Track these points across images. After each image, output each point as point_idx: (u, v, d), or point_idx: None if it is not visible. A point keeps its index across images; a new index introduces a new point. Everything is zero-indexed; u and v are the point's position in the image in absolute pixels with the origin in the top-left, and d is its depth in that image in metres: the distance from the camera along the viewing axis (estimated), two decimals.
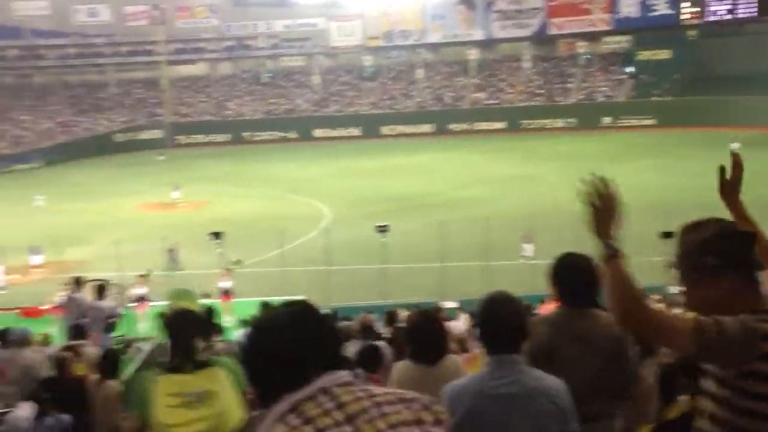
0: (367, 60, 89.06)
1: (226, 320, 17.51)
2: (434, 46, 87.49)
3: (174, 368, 3.69)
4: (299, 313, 1.80)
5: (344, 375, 1.75)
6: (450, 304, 19.44)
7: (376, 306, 19.52)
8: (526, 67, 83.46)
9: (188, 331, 3.78)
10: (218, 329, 10.03)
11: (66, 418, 6.10)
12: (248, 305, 21.98)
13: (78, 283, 12.86)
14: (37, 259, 28.99)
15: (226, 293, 22.03)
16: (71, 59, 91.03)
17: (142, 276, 21.82)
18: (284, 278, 24.69)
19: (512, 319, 3.15)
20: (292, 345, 1.73)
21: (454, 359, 4.33)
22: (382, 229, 26.23)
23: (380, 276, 24.65)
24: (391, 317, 12.55)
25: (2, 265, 26.85)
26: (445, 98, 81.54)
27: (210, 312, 5.04)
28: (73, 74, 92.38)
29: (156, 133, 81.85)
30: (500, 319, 3.13)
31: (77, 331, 10.61)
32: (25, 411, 5.51)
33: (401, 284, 24.49)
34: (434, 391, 3.30)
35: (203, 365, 3.74)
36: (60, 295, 17.13)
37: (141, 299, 20.76)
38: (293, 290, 23.49)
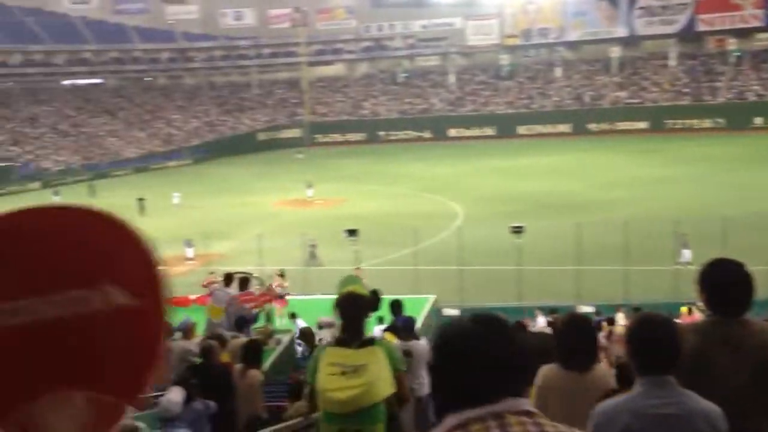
0: (504, 59, 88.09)
1: None
2: (574, 44, 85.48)
3: (340, 342, 4.21)
4: (490, 329, 1.70)
5: (523, 403, 1.64)
6: (586, 309, 19.00)
7: (510, 308, 19.33)
8: (672, 64, 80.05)
9: (357, 312, 4.27)
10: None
11: (212, 404, 6.39)
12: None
13: (228, 278, 13.38)
14: (189, 252, 30.43)
15: None
16: (218, 61, 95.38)
17: (280, 275, 22.52)
18: (417, 277, 24.84)
19: (668, 343, 3.04)
20: (478, 361, 1.64)
21: (604, 369, 4.17)
22: (517, 230, 25.88)
23: (514, 277, 24.34)
24: (520, 327, 12.32)
25: None
26: (585, 97, 79.46)
27: (376, 293, 5.70)
28: (219, 75, 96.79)
29: (295, 132, 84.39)
30: (655, 343, 3.03)
31: (242, 323, 11.05)
32: (176, 395, 5.84)
33: (535, 286, 24.11)
34: (584, 399, 3.22)
35: (367, 344, 4.22)
36: (209, 287, 18.02)
37: (279, 295, 21.38)
38: (425, 289, 23.65)
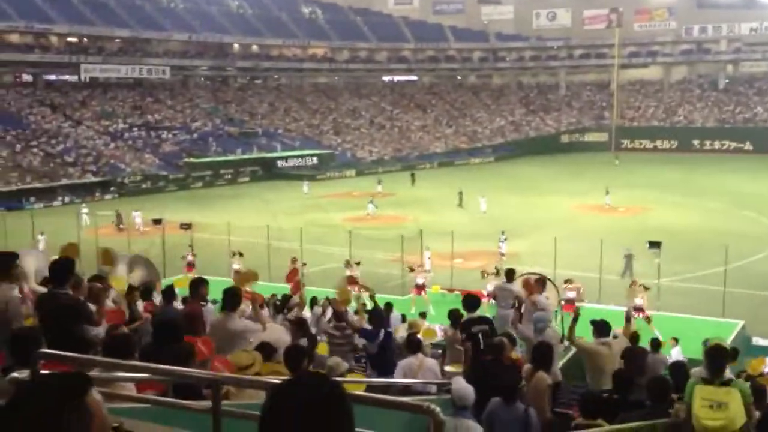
0: None
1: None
2: None
3: (707, 381, 5.50)
4: None
5: None
6: None
7: None
8: None
9: (722, 360, 5.70)
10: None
11: (521, 406, 6.40)
12: (674, 321, 20.91)
13: (509, 275, 13.36)
14: (503, 247, 30.52)
15: (641, 309, 21.05)
16: (527, 62, 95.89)
17: (568, 281, 21.97)
18: (723, 299, 22.86)
19: None
20: None
21: None
22: None
23: None
24: None
25: (428, 251, 28.86)
26: None
27: (736, 349, 8.13)
28: (528, 76, 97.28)
29: (601, 136, 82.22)
30: None
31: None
32: (464, 383, 5.95)
33: None
34: None
35: (726, 384, 5.46)
36: (493, 284, 18.15)
37: (570, 301, 20.87)
38: (732, 313, 21.78)
